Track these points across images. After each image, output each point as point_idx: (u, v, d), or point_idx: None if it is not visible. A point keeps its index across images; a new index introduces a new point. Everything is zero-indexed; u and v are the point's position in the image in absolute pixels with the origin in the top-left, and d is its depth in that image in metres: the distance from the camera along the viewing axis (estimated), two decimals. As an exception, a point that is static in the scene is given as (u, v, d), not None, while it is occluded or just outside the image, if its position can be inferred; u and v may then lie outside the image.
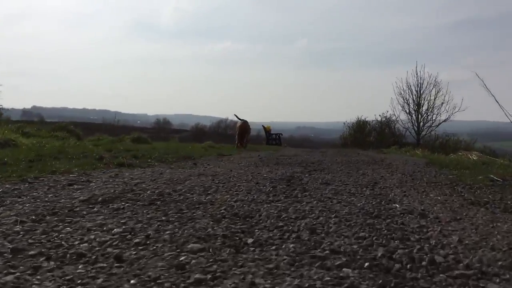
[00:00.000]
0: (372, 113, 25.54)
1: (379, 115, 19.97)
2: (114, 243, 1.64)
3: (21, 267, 1.36)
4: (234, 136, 10.81)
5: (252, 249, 1.63)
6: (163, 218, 2.08)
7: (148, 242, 1.67)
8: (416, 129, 18.68)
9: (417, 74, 18.97)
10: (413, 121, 18.81)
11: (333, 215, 2.25)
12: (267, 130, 17.70)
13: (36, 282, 1.26)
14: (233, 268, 1.40)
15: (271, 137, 17.49)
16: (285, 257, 1.53)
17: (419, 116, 18.74)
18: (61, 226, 1.87)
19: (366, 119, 20.07)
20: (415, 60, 28.72)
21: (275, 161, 5.78)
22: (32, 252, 1.50)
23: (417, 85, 18.88)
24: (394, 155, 9.04)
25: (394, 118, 19.46)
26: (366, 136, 19.22)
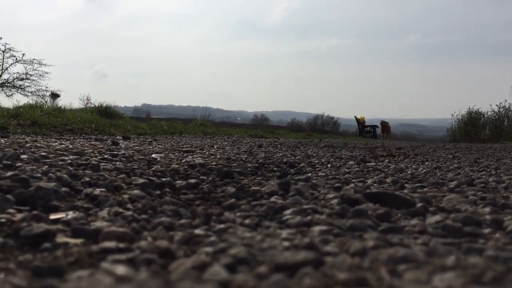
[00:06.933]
0: (485, 106, 21.80)
1: (496, 105, 17.06)
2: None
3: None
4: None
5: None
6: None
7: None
8: (546, 120, 15.44)
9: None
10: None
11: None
12: (360, 121, 16.13)
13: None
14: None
15: (365, 129, 15.92)
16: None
17: (551, 104, 15.46)
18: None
19: (480, 110, 17.30)
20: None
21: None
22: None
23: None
24: None
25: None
26: (480, 130, 16.45)
